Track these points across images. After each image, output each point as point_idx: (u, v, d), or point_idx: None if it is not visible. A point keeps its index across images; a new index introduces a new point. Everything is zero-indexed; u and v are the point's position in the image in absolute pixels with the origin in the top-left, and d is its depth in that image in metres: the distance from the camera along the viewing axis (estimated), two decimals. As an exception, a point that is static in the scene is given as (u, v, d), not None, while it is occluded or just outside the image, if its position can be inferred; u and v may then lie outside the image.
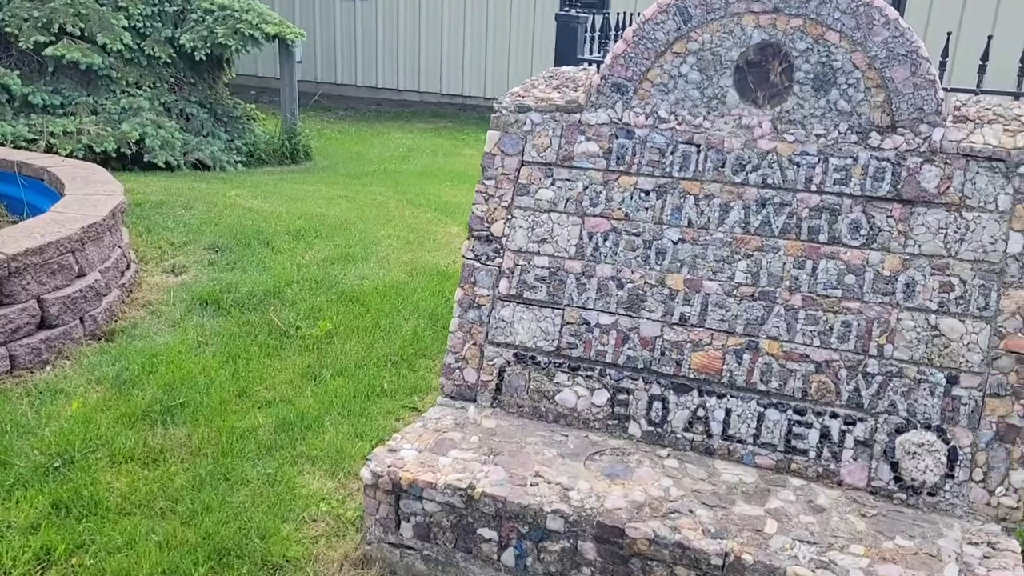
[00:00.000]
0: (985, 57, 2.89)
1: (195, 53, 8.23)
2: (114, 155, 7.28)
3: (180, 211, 5.03)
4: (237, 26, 8.31)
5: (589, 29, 3.37)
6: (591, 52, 3.46)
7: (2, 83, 7.15)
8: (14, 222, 4.13)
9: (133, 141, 7.44)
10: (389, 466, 2.14)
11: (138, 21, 8.13)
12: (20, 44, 7.30)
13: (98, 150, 7.21)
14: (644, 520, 1.93)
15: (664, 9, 2.37)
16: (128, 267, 3.74)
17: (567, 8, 3.20)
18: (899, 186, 2.14)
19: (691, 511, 1.97)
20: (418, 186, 7.42)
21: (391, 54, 13.96)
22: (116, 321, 3.45)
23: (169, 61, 8.32)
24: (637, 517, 1.95)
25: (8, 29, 7.31)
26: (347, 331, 3.56)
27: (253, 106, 9.93)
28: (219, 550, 2.20)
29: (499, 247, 2.48)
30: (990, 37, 2.91)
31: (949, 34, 2.99)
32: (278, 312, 3.66)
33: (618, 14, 3.96)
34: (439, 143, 10.78)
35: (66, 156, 6.85)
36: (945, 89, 2.84)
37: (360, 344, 3.46)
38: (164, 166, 7.55)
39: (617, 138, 2.42)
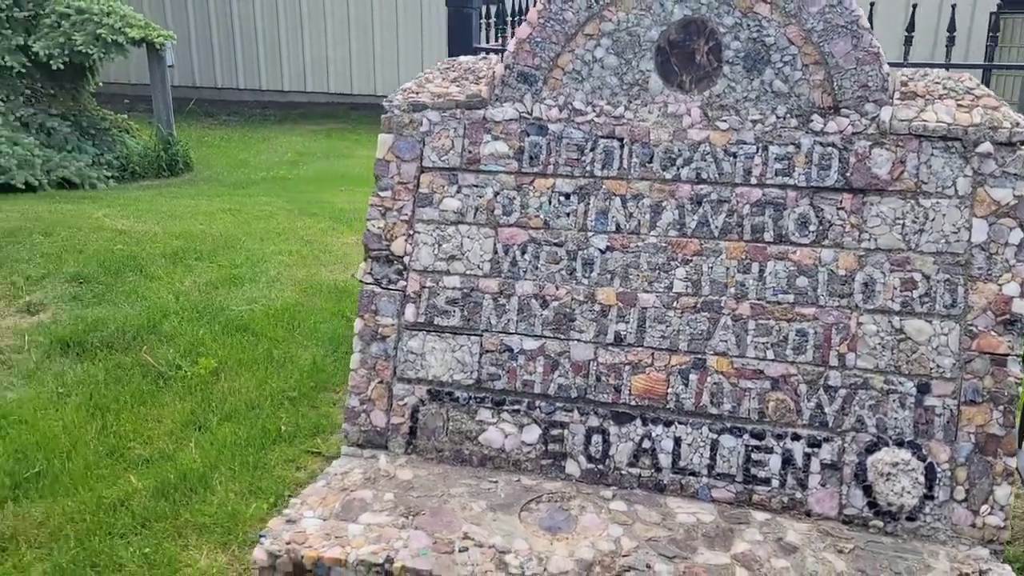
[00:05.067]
0: (911, 28, 2.72)
1: (51, 62, 7.51)
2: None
3: (38, 239, 4.46)
4: (98, 31, 7.63)
5: (484, 15, 3.06)
6: (488, 40, 3.15)
7: None
8: None
9: (-15, 162, 6.71)
10: (288, 542, 1.78)
11: (-17, 28, 7.35)
12: None
13: (-56, 174, 6.47)
14: (596, 584, 1.64)
15: (572, -15, 2.07)
16: (-31, 311, 3.21)
17: (458, -8, 2.89)
18: (848, 174, 1.91)
19: (649, 566, 1.69)
20: (310, 194, 6.96)
21: (273, 54, 13.31)
22: (-45, 378, 2.95)
23: (23, 71, 7.57)
24: (588, 581, 1.65)
25: None
26: (235, 366, 3.15)
27: (126, 116, 9.21)
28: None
29: (402, 268, 2.14)
30: (915, 6, 2.74)
31: (915, 6, 2.82)
32: (153, 351, 3.21)
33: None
34: (331, 145, 10.29)
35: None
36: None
37: (251, 381, 3.06)
38: (24, 187, 6.85)
39: (528, 135, 2.11)
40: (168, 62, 8.60)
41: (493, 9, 3.28)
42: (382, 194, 2.18)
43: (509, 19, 3.24)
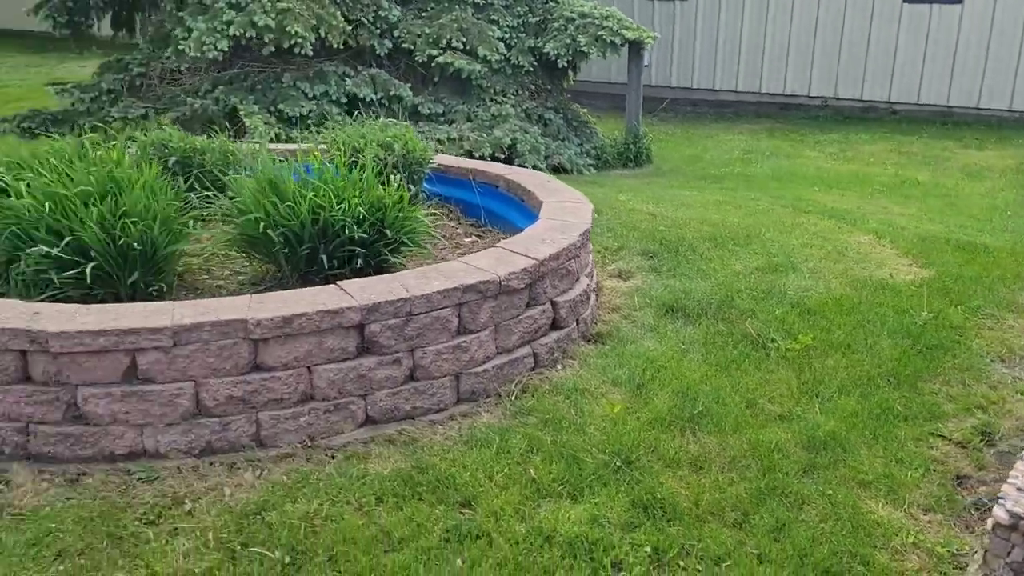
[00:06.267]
0: None
1: (558, 61, 8.56)
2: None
3: (594, 216, 5.19)
4: (598, 33, 8.52)
5: None
6: None
7: (397, 94, 7.87)
8: (472, 225, 4.47)
9: (505, 146, 7.89)
10: (1030, 508, 1.96)
11: (506, 32, 8.61)
12: (416, 57, 8.00)
13: (476, 155, 7.71)
14: None
15: None
16: (593, 273, 3.88)
17: None
18: None
19: None
20: (786, 191, 7.16)
21: (708, 54, 13.74)
22: (596, 324, 3.59)
23: (531, 70, 8.73)
24: None
25: (405, 45, 8.05)
26: (822, 346, 3.44)
27: (586, 110, 10.18)
28: (820, 571, 2.16)
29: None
30: None
31: None
32: (747, 321, 3.62)
33: None
34: (775, 145, 10.39)
35: (451, 161, 7.41)
36: None
37: (843, 361, 3.31)
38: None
39: None
40: (645, 62, 9.33)
41: None
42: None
43: None
